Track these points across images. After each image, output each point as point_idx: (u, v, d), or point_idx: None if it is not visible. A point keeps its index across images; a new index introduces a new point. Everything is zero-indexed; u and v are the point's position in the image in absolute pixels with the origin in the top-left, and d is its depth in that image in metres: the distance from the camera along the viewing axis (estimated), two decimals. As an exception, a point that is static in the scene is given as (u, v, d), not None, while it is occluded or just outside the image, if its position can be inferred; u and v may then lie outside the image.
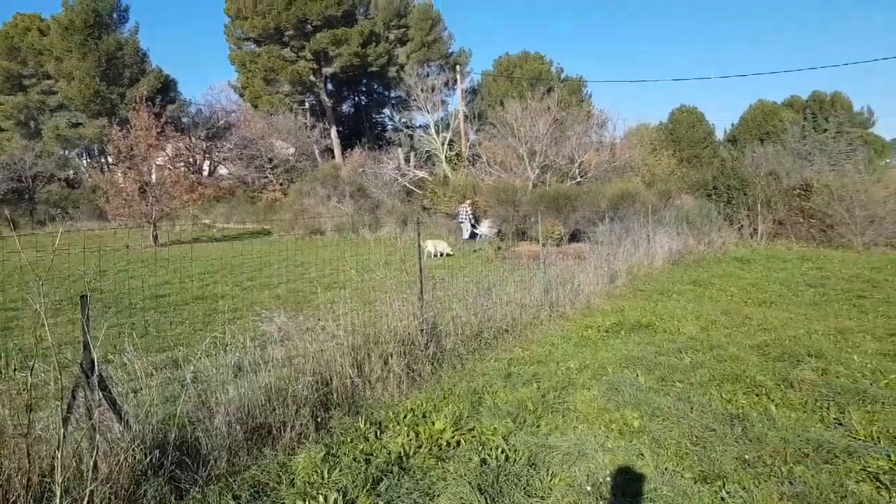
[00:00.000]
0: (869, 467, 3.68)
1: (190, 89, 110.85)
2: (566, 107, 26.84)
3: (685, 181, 23.40)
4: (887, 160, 40.68)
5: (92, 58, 33.53)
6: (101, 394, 3.54)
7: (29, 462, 3.11)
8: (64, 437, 3.19)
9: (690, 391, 5.16)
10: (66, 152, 39.90)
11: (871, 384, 5.20)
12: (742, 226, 18.31)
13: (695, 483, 3.60)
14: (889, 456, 3.80)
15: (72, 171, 40.00)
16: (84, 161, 42.38)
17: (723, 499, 3.43)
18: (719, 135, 48.70)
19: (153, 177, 23.07)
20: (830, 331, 7.21)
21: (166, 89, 37.75)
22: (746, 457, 3.90)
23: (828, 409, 4.67)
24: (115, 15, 35.60)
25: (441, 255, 16.02)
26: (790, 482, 3.56)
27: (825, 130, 32.11)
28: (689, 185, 21.72)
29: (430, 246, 16.04)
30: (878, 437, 4.13)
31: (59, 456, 3.05)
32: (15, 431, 3.24)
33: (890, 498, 3.38)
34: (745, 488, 3.51)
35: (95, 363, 3.51)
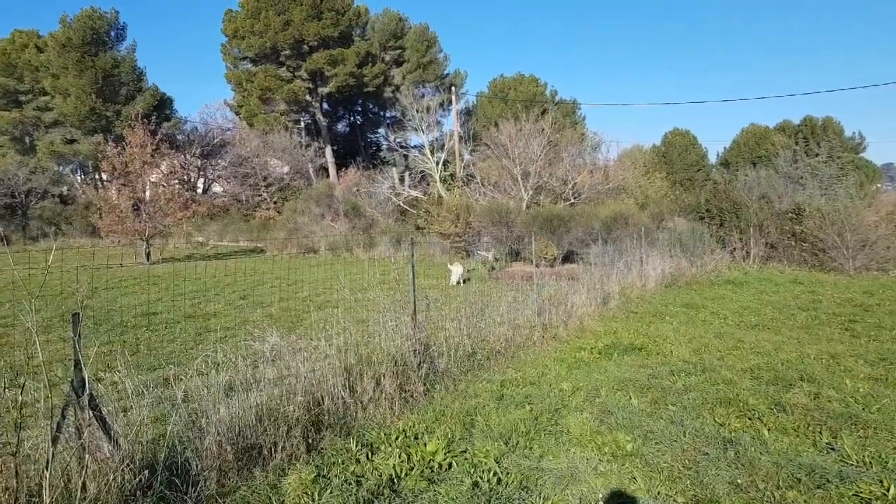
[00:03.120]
0: (861, 493, 3.68)
1: (186, 107, 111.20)
2: (560, 129, 27.11)
3: (678, 203, 23.63)
4: (878, 185, 41.06)
5: (88, 75, 33.66)
6: (91, 413, 3.50)
7: (17, 481, 3.08)
8: (53, 456, 3.16)
9: (683, 414, 5.16)
10: (61, 168, 39.87)
11: (863, 409, 5.21)
12: (734, 248, 18.43)
13: (687, 507, 3.59)
14: (881, 481, 3.80)
15: (66, 188, 39.92)
16: (78, 177, 42.32)
17: (715, 524, 3.42)
18: (712, 158, 49.26)
19: (147, 194, 23.04)
20: (822, 355, 7.23)
21: (162, 107, 37.86)
22: (739, 481, 3.89)
23: (820, 433, 4.67)
24: (112, 33, 35.82)
25: (460, 282, 14.23)
26: (783, 507, 3.55)
27: (817, 155, 32.48)
28: (681, 208, 21.92)
29: (455, 274, 14.43)
30: (871, 463, 4.13)
31: (47, 475, 3.02)
32: (3, 450, 3.21)
33: (882, 524, 3.38)
34: (737, 513, 3.49)
35: (86, 381, 3.48)
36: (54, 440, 3.28)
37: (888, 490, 3.67)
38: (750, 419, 4.98)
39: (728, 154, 48.74)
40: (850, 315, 10.03)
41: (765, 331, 8.96)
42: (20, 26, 39.45)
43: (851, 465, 4.12)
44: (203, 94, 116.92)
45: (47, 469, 3.05)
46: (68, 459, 3.37)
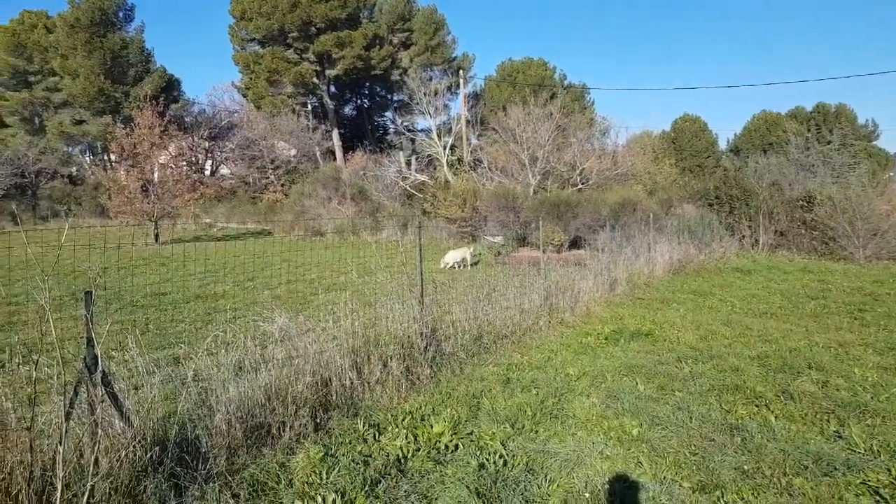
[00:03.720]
0: (869, 481, 3.68)
1: (193, 89, 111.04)
2: (569, 113, 26.91)
3: (687, 190, 23.46)
4: (891, 173, 40.68)
5: (97, 56, 33.66)
6: (103, 390, 3.54)
7: (31, 455, 3.12)
8: (66, 431, 3.19)
9: (690, 400, 5.16)
10: (70, 149, 40.03)
11: (872, 398, 5.20)
12: (743, 236, 18.33)
13: (693, 492, 3.61)
14: (889, 470, 3.80)
15: (75, 168, 40.13)
16: (87, 158, 42.50)
17: (721, 508, 3.44)
18: (722, 144, 48.89)
19: (155, 175, 23.13)
20: (831, 343, 7.21)
21: (170, 88, 37.88)
22: (745, 467, 3.90)
23: (828, 421, 4.68)
24: (120, 13, 35.80)
25: (460, 266, 14.44)
26: (789, 494, 3.56)
27: (829, 142, 32.23)
28: (690, 195, 21.78)
29: (450, 257, 14.57)
30: (879, 451, 4.13)
31: (60, 450, 3.06)
32: (18, 425, 3.25)
33: (888, 511, 3.39)
34: (743, 499, 3.51)
35: (98, 359, 3.51)
36: (67, 416, 3.31)
37: None
38: (757, 406, 4.99)
39: (739, 141, 48.36)
40: (860, 304, 9.98)
41: (773, 319, 8.93)
42: (29, 7, 39.40)
43: (859, 453, 4.13)
44: (211, 76, 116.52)
45: (61, 444, 3.08)
46: (81, 435, 3.41)
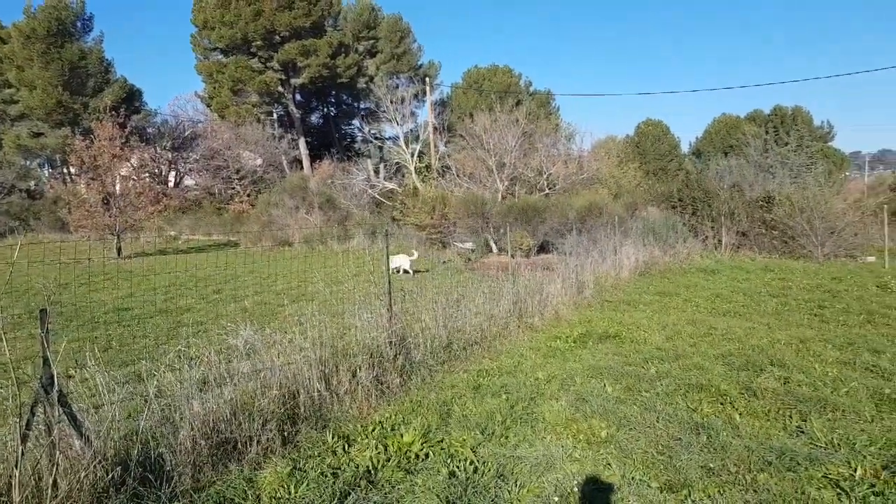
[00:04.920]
0: (830, 474, 3.77)
1: (155, 99, 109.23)
2: (534, 119, 27.16)
3: (651, 193, 23.86)
4: (846, 173, 41.97)
5: (54, 67, 32.78)
6: (60, 410, 3.44)
7: (-16, 481, 3.01)
8: (22, 454, 3.10)
9: (656, 401, 5.23)
10: (28, 162, 38.85)
11: (832, 392, 5.34)
12: (707, 237, 18.71)
13: (661, 492, 3.65)
14: (849, 462, 3.90)
15: (33, 182, 38.97)
16: (46, 172, 41.34)
17: (688, 507, 3.48)
18: (684, 148, 49.80)
19: (117, 188, 22.61)
20: (792, 340, 7.39)
21: (131, 99, 37.04)
22: (711, 465, 3.96)
23: (790, 417, 4.78)
24: (78, 24, 34.87)
25: (399, 271, 14.50)
26: (754, 490, 3.63)
27: (786, 144, 33.11)
28: (654, 197, 22.14)
29: (396, 262, 14.47)
30: (839, 445, 4.23)
31: (16, 474, 2.96)
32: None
33: None
34: (710, 496, 3.56)
35: (55, 378, 3.41)
36: (24, 438, 3.21)
37: (855, 471, 3.77)
38: (722, 404, 5.07)
39: (700, 144, 49.40)
40: (819, 301, 10.26)
41: (736, 317, 9.12)
42: (-19, 16, 38.20)
43: (820, 447, 4.22)
44: (173, 86, 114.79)
45: (17, 467, 2.99)
46: (38, 457, 3.31)
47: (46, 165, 41.39)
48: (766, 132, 38.62)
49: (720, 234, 18.64)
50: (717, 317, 9.19)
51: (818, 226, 16.54)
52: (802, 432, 4.50)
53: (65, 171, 38.31)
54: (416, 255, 14.87)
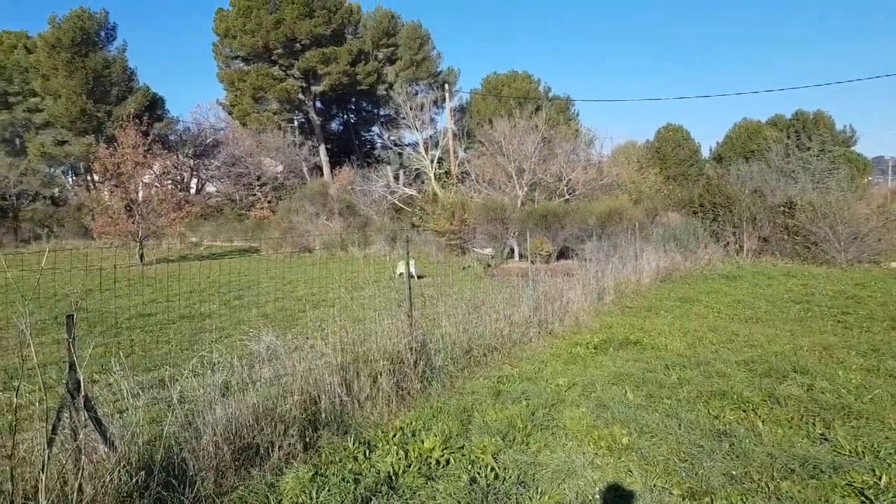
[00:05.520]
0: (854, 482, 3.71)
1: (178, 107, 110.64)
2: (554, 125, 27.09)
3: (671, 199, 23.69)
4: (869, 178, 41.28)
5: (79, 76, 33.45)
6: (86, 414, 3.50)
7: (12, 485, 3.07)
8: (48, 458, 3.15)
9: (678, 407, 5.18)
10: (52, 170, 39.63)
11: (856, 399, 5.25)
12: (728, 243, 18.51)
13: (683, 499, 3.62)
14: (873, 470, 3.84)
15: (57, 189, 39.70)
16: (70, 179, 42.13)
17: (711, 515, 3.45)
18: (705, 153, 49.33)
19: (140, 195, 22.95)
20: (815, 347, 7.28)
21: (154, 107, 37.66)
22: (734, 473, 3.92)
23: (813, 424, 4.71)
24: (102, 33, 35.57)
25: (401, 274, 14.00)
26: (777, 498, 3.58)
27: (808, 149, 32.66)
28: (675, 203, 21.99)
29: (402, 267, 14.09)
30: (863, 453, 4.17)
31: (43, 478, 3.02)
32: (-1, 453, 3.21)
33: (875, 513, 3.42)
34: (732, 504, 3.52)
35: (81, 383, 3.47)
36: (50, 442, 3.27)
37: (880, 479, 3.72)
38: (744, 411, 5.02)
39: (721, 149, 48.85)
40: (843, 307, 10.10)
41: (758, 324, 9.01)
42: (8, 27, 39.15)
43: (844, 455, 4.16)
44: (195, 94, 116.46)
45: (43, 472, 3.04)
46: (64, 462, 3.36)
47: (70, 173, 42.23)
48: (788, 137, 38.15)
49: (742, 240, 18.43)
50: (739, 323, 9.08)
51: (841, 231, 16.28)
52: (826, 440, 4.43)
53: (88, 178, 39.02)
54: (413, 262, 14.75)
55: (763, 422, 4.78)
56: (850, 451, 4.20)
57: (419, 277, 14.48)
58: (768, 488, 3.70)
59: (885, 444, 4.27)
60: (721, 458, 4.16)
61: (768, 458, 4.10)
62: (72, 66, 33.40)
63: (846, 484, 3.70)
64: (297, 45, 34.29)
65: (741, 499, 3.58)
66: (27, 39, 37.33)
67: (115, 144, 22.20)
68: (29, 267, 14.82)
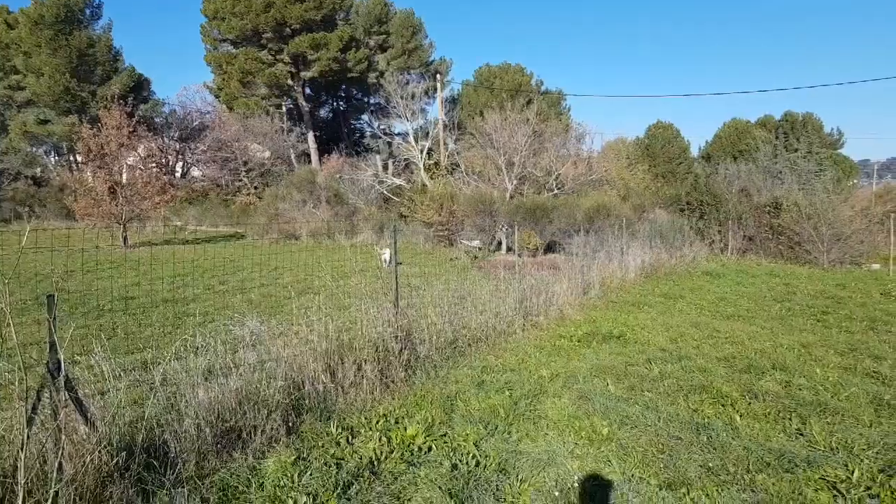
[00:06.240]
0: (827, 476, 3.79)
1: (164, 89, 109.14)
2: (545, 119, 27.13)
3: (659, 196, 23.84)
4: (854, 181, 41.68)
5: (62, 54, 32.89)
6: (67, 395, 3.48)
7: (-9, 462, 3.05)
8: (28, 437, 3.13)
9: (658, 400, 5.25)
10: (34, 149, 39.05)
11: (832, 396, 5.35)
12: (713, 241, 18.69)
13: (660, 489, 3.67)
14: (846, 465, 3.92)
15: (39, 169, 39.20)
16: (52, 159, 41.56)
17: (687, 506, 3.51)
18: (694, 151, 49.53)
19: (124, 177, 22.72)
20: (795, 345, 7.39)
21: (139, 88, 37.20)
22: (710, 465, 3.99)
23: (790, 419, 4.79)
24: (87, 11, 35.01)
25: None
26: (752, 490, 3.65)
27: (796, 150, 32.96)
28: (663, 200, 22.13)
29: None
30: (837, 448, 4.25)
31: (22, 456, 3.00)
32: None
33: (847, 506, 3.49)
34: (708, 495, 3.58)
35: (62, 363, 3.45)
36: (29, 421, 3.25)
37: (853, 473, 3.80)
38: (723, 406, 5.09)
39: (710, 148, 49.09)
40: (823, 307, 10.25)
41: (740, 321, 9.12)
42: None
43: (819, 450, 4.24)
44: (182, 77, 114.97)
45: (22, 450, 3.02)
46: (44, 441, 3.34)
47: (53, 153, 41.62)
48: (776, 138, 38.46)
49: (727, 238, 18.62)
50: (720, 320, 9.18)
51: (825, 232, 16.50)
52: (802, 435, 4.51)
53: (71, 158, 38.54)
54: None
55: (741, 416, 4.85)
56: (825, 447, 4.28)
57: (398, 264, 14.48)
58: (744, 480, 3.77)
59: (858, 441, 4.36)
60: (699, 450, 4.22)
61: (745, 451, 4.18)
62: (55, 43, 32.82)
63: (819, 478, 3.78)
64: (287, 29, 33.97)
65: (717, 490, 3.64)
66: (8, 15, 36.51)
67: (100, 125, 21.89)
68: (9, 246, 14.63)
